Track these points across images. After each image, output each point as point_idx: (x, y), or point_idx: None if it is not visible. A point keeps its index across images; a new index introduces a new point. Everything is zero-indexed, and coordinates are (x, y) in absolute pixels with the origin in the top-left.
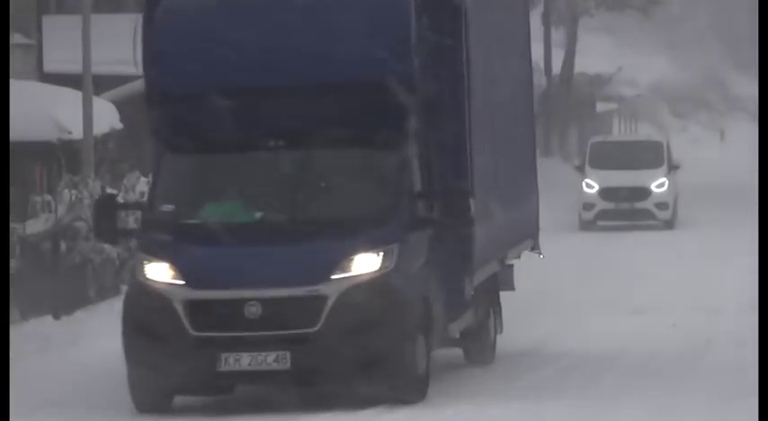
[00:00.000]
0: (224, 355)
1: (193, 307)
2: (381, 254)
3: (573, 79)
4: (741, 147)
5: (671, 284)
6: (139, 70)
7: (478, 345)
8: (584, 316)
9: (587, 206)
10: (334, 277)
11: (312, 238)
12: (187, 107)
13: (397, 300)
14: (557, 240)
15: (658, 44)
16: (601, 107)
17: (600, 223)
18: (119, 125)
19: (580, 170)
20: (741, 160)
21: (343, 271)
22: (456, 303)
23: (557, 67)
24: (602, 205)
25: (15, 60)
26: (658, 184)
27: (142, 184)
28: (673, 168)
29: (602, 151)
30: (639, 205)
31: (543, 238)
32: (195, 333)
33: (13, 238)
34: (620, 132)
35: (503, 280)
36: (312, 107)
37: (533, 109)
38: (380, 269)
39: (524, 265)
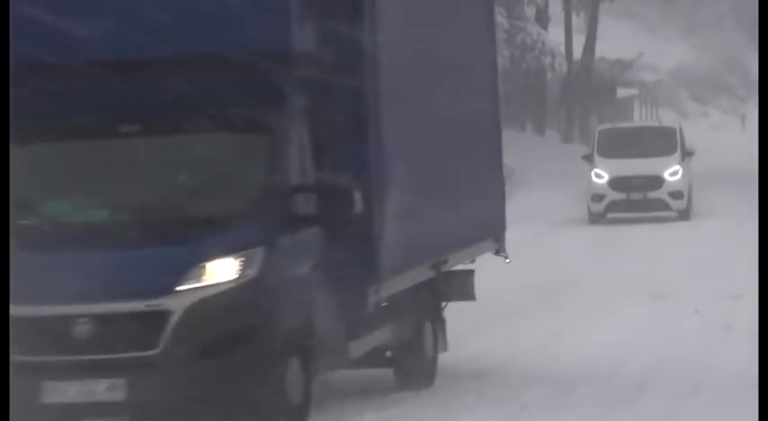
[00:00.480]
0: (47, 384)
1: (12, 325)
2: (241, 259)
3: (594, 64)
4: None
5: (691, 273)
6: None
7: (412, 366)
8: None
9: (596, 197)
10: (179, 288)
11: (157, 242)
12: (22, 85)
13: (260, 316)
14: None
15: (679, 29)
16: (621, 93)
17: (610, 216)
18: None
19: (588, 160)
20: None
21: (192, 281)
22: (359, 317)
23: (577, 52)
24: (613, 196)
25: None
26: (672, 172)
27: None
28: (687, 155)
29: (611, 139)
30: (652, 195)
31: (548, 232)
32: (14, 357)
33: None
34: (640, 118)
35: (452, 288)
36: (172, 85)
37: (498, 109)
38: (239, 278)
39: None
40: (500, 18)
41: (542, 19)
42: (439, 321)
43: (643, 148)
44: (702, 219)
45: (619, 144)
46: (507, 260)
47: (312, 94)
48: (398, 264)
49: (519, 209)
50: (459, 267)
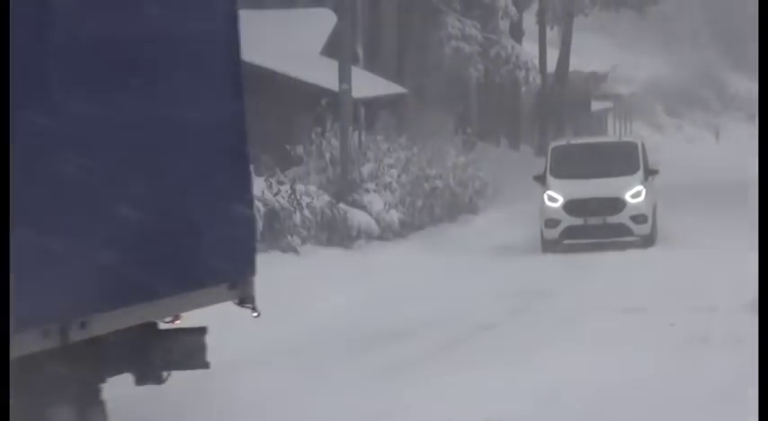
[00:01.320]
0: None
1: None
2: None
3: (568, 78)
4: (736, 147)
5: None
6: None
7: None
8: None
9: (551, 222)
10: None
11: None
12: None
13: None
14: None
15: (653, 43)
16: (596, 106)
17: (567, 242)
18: None
19: (540, 181)
20: (736, 159)
21: None
22: None
23: (552, 65)
24: (569, 221)
25: None
26: (634, 194)
27: None
28: (650, 174)
29: (565, 157)
30: (612, 219)
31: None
32: None
33: None
34: (615, 131)
35: (171, 354)
36: None
37: (243, 135)
38: None
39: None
40: (474, 31)
41: (516, 32)
42: (92, 403)
43: (601, 167)
44: (669, 244)
45: (574, 162)
46: (255, 314)
47: None
48: None
49: (489, 223)
50: (188, 324)
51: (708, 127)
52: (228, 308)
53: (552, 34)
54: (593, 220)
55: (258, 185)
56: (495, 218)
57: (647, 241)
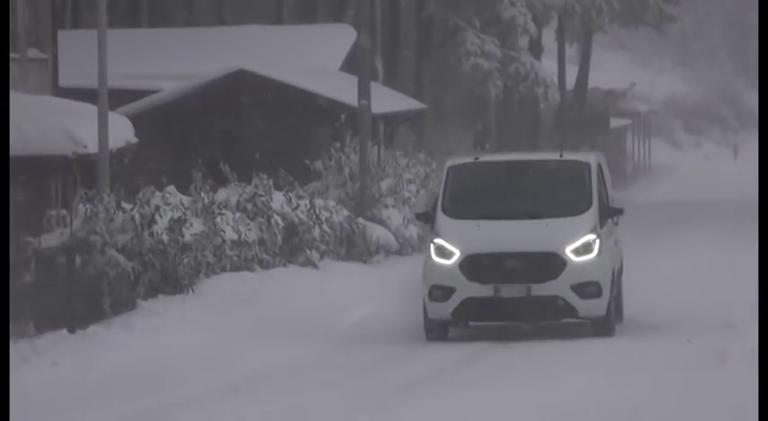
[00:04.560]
0: None
1: None
2: None
3: (587, 95)
4: (755, 163)
5: None
6: (153, 85)
7: None
8: None
9: (439, 292)
10: None
11: None
12: None
13: None
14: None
15: (672, 60)
16: (614, 123)
17: (468, 324)
18: (134, 139)
19: (425, 220)
20: (755, 175)
21: None
22: None
23: (570, 82)
24: (469, 290)
25: (30, 75)
26: (580, 248)
27: (157, 199)
28: (611, 214)
29: (470, 183)
30: (543, 289)
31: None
32: None
33: (28, 252)
34: (633, 148)
35: None
36: None
37: None
38: None
39: None
40: (493, 48)
41: (536, 49)
42: None
43: (529, 202)
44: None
45: (483, 193)
46: None
47: None
48: None
49: None
50: None
51: (726, 144)
52: None
53: (571, 51)
54: (510, 290)
55: (277, 199)
56: None
57: (602, 327)
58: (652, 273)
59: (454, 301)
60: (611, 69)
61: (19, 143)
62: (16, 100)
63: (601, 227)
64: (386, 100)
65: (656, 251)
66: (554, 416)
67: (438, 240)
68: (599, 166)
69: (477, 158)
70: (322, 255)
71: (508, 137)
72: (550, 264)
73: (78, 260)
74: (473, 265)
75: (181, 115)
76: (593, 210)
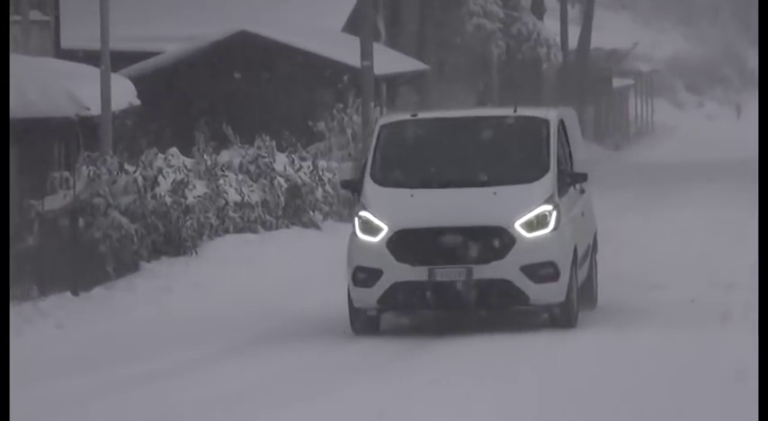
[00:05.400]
0: None
1: None
2: None
3: (589, 55)
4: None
5: None
6: (156, 47)
7: None
8: None
9: (363, 275)
10: None
11: None
12: None
13: None
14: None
15: (673, 20)
16: (617, 83)
17: (395, 319)
18: (136, 101)
19: (351, 189)
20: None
21: None
22: None
23: (573, 43)
24: (399, 273)
25: (32, 37)
26: (533, 221)
27: (159, 161)
28: (573, 180)
29: (402, 146)
30: (485, 273)
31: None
32: None
33: (31, 215)
34: (635, 109)
35: None
36: None
37: None
38: None
39: None
40: (495, 8)
41: (538, 10)
42: None
43: (473, 166)
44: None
45: (419, 156)
46: None
47: None
48: None
49: None
50: None
51: (729, 104)
52: None
53: (573, 12)
54: (448, 273)
55: (280, 161)
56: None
57: (560, 316)
58: (650, 233)
59: (381, 287)
60: (613, 29)
61: (21, 105)
62: (18, 62)
63: (560, 195)
64: (388, 61)
65: (657, 211)
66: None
67: (363, 213)
68: (561, 124)
69: (414, 115)
70: (325, 217)
71: (510, 97)
72: (496, 240)
73: (82, 222)
74: (403, 243)
75: (183, 77)
76: (551, 176)
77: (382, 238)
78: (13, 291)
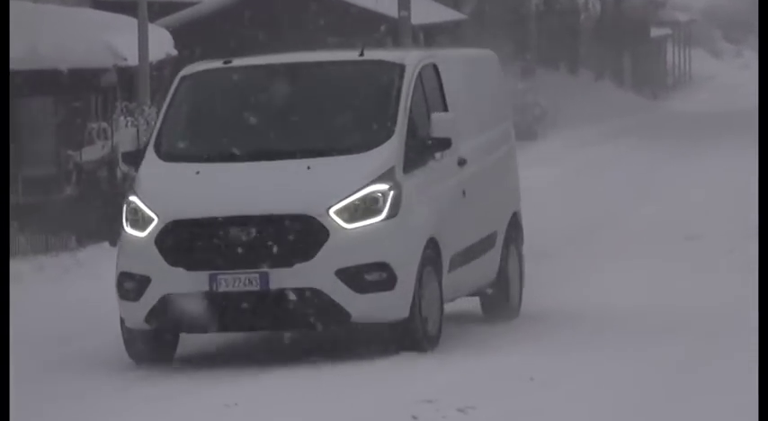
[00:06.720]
0: None
1: None
2: None
3: (627, 4)
4: None
5: None
6: None
7: None
8: None
9: (129, 283)
10: None
11: None
12: None
13: None
14: None
15: None
16: (654, 32)
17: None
18: (173, 52)
19: (134, 163)
20: None
21: None
22: None
23: None
24: (170, 281)
25: None
26: (355, 206)
27: None
28: (431, 149)
29: (203, 105)
30: (287, 280)
31: None
32: None
33: (69, 165)
34: (673, 59)
35: None
36: None
37: None
38: None
39: None
40: None
41: None
42: None
43: (291, 130)
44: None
45: (223, 119)
46: None
47: None
48: None
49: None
50: None
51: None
52: None
53: None
54: (235, 281)
55: None
56: (553, 146)
57: (403, 338)
58: (684, 181)
59: (148, 300)
60: None
61: (59, 56)
62: (55, 13)
63: (409, 170)
64: (426, 11)
65: (692, 160)
66: None
67: (132, 198)
68: (430, 72)
69: (227, 62)
70: None
71: (548, 47)
72: (302, 234)
73: (119, 173)
74: (177, 240)
75: (220, 27)
76: (394, 143)
77: (150, 233)
78: (51, 241)
